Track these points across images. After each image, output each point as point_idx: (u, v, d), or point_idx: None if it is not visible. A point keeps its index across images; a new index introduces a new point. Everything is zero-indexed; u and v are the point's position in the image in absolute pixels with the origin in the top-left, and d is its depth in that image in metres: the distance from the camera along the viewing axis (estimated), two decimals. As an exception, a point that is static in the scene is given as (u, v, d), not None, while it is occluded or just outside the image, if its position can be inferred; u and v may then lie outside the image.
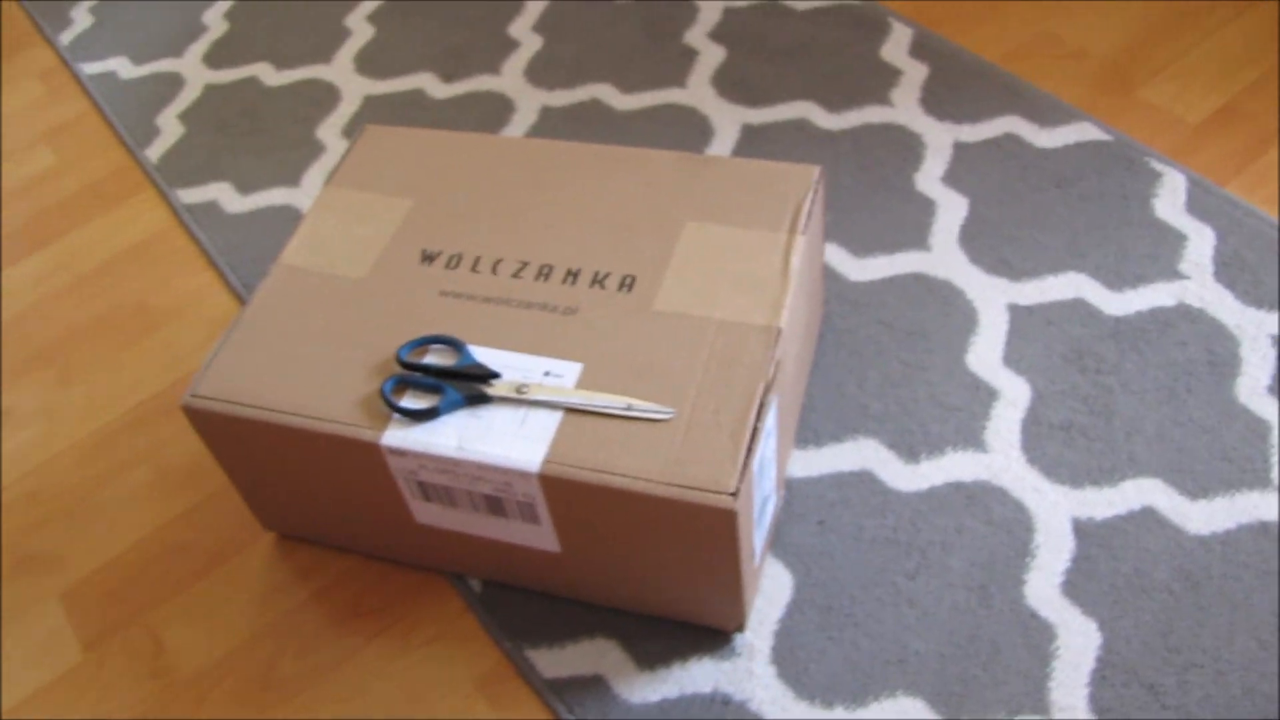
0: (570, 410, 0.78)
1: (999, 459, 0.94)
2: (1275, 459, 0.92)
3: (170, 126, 1.42)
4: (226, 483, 1.04)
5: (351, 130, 1.36)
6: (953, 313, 1.05)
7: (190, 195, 1.32)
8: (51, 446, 1.10)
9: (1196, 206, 1.10)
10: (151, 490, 1.05)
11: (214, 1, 1.61)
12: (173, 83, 1.48)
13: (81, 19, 1.63)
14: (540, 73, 1.39)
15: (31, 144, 1.45)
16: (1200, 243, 1.07)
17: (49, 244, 1.31)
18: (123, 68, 1.53)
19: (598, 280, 0.86)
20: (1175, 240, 1.08)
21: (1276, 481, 0.90)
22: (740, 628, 0.86)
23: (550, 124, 1.32)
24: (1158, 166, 1.14)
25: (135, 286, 1.24)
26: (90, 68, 1.54)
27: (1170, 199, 1.11)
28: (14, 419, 1.13)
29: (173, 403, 1.12)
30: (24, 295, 1.26)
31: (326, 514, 0.91)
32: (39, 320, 1.23)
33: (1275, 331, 1.00)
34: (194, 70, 1.50)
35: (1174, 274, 1.05)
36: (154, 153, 1.38)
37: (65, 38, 1.60)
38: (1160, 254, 1.07)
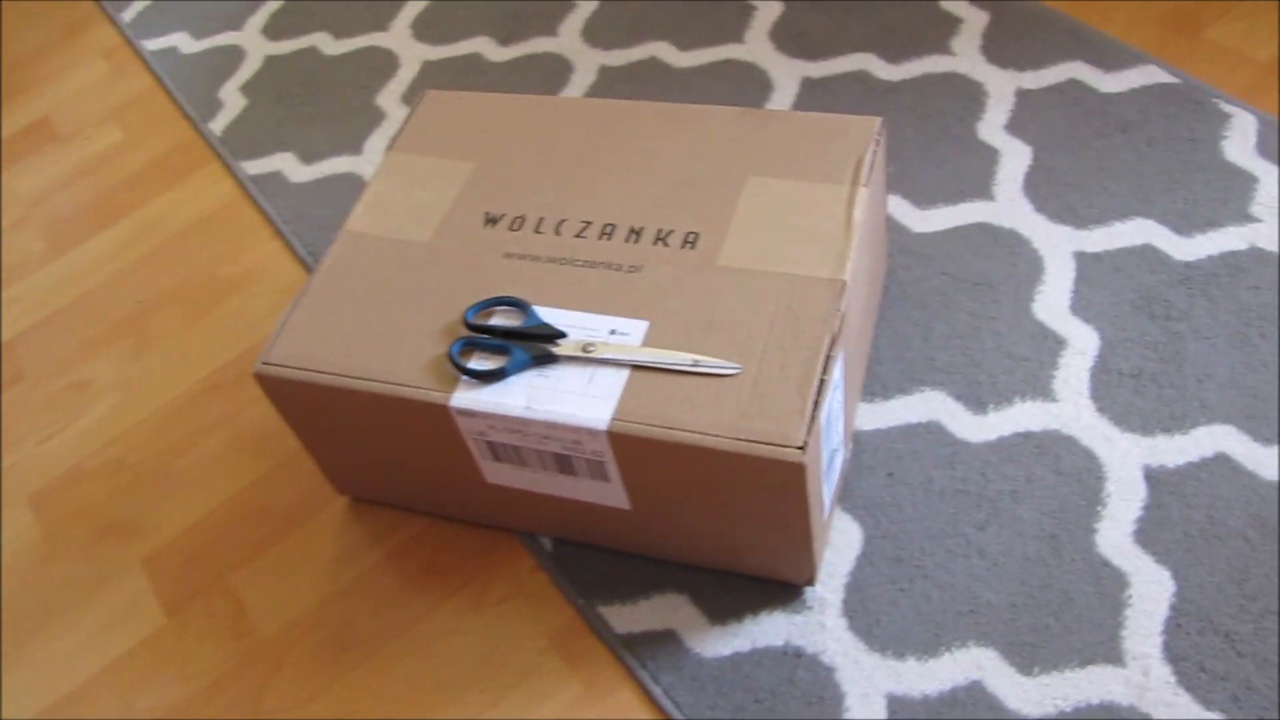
0: (637, 368, 0.78)
1: (1068, 408, 0.94)
2: (1353, 402, 0.90)
3: (232, 99, 1.43)
4: (299, 448, 1.06)
5: (411, 97, 1.37)
6: (1019, 262, 1.04)
7: (255, 166, 1.34)
8: (130, 416, 1.13)
9: (1267, 147, 1.08)
10: (227, 457, 1.07)
11: (270, -27, 1.63)
12: (233, 55, 1.50)
13: (142, -4, 1.65)
14: (597, 32, 1.39)
15: (99, 122, 1.48)
16: (1271, 184, 1.05)
17: (120, 219, 1.34)
18: (184, 43, 1.54)
19: (661, 238, 0.86)
20: (1246, 183, 1.06)
21: (1355, 425, 0.89)
22: (811, 581, 0.87)
23: (609, 83, 1.32)
24: (1226, 108, 1.12)
25: (205, 258, 1.26)
26: (152, 44, 1.56)
27: (1240, 140, 1.09)
28: (94, 390, 1.16)
29: (245, 371, 1.14)
30: (98, 270, 1.29)
31: (398, 477, 0.93)
32: (113, 294, 1.25)
33: (1352, 273, 0.98)
34: (253, 42, 1.51)
35: (1245, 217, 1.03)
36: (218, 125, 1.40)
37: (127, 15, 1.62)
38: (1230, 197, 1.05)
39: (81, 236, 1.33)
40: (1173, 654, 0.80)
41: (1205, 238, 1.02)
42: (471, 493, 0.91)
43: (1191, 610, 0.82)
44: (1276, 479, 0.87)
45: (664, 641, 0.87)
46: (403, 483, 0.94)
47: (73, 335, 1.22)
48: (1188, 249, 1.02)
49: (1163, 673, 0.79)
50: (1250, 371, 0.93)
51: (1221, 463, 0.89)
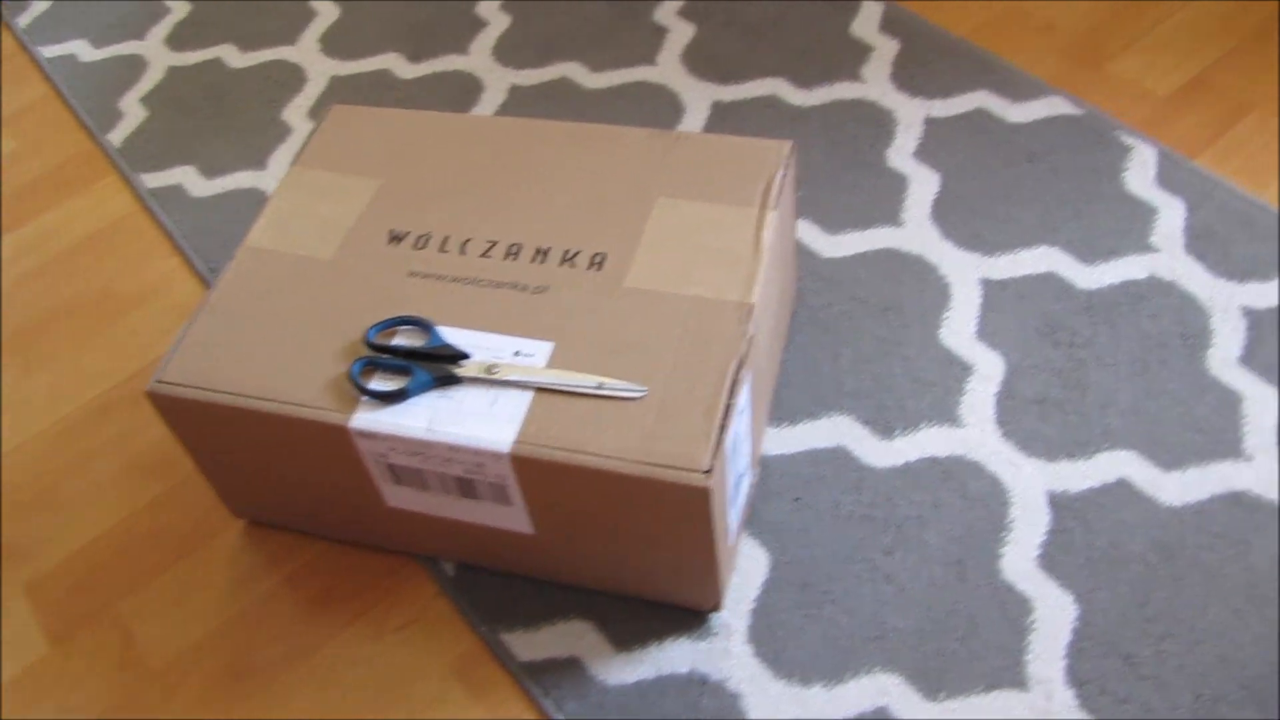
0: (541, 390, 0.77)
1: (974, 433, 0.94)
2: (1247, 429, 0.92)
3: (133, 110, 1.39)
4: (194, 470, 1.03)
5: (318, 111, 1.34)
6: (926, 288, 1.05)
7: (154, 179, 1.30)
8: (16, 437, 1.08)
9: (1167, 179, 1.10)
10: (118, 479, 1.03)
11: (176, -17, 1.59)
12: (135, 65, 1.46)
13: (39, 1, 1.60)
14: (509, 51, 1.38)
15: (-9, 130, 1.43)
16: (1171, 215, 1.07)
17: (10, 231, 1.29)
18: (83, 50, 1.50)
19: (568, 258, 0.85)
20: (1146, 213, 1.08)
21: (1248, 452, 0.90)
22: (717, 607, 0.86)
23: (519, 103, 1.31)
24: (1128, 140, 1.14)
25: (100, 273, 1.22)
26: (49, 50, 1.51)
27: (1141, 172, 1.11)
28: (-23, 409, 1.12)
29: (139, 390, 1.10)
30: (-15, 283, 1.24)
31: (296, 499, 0.90)
32: (2, 308, 1.21)
33: (1245, 303, 1.00)
34: (156, 52, 1.47)
35: (1145, 247, 1.05)
36: (116, 137, 1.36)
37: (23, 20, 1.57)
38: (1132, 227, 1.07)
39: (-30, 249, 1.28)
40: (1076, 678, 0.81)
41: (1107, 266, 1.04)
42: (372, 516, 0.88)
43: (1094, 634, 0.83)
44: (1174, 504, 0.88)
45: (568, 669, 0.85)
46: (301, 506, 0.91)
47: (-43, 351, 1.17)
48: (1090, 277, 1.03)
49: (1066, 696, 0.80)
50: (1150, 398, 0.95)
51: (1123, 488, 0.90)
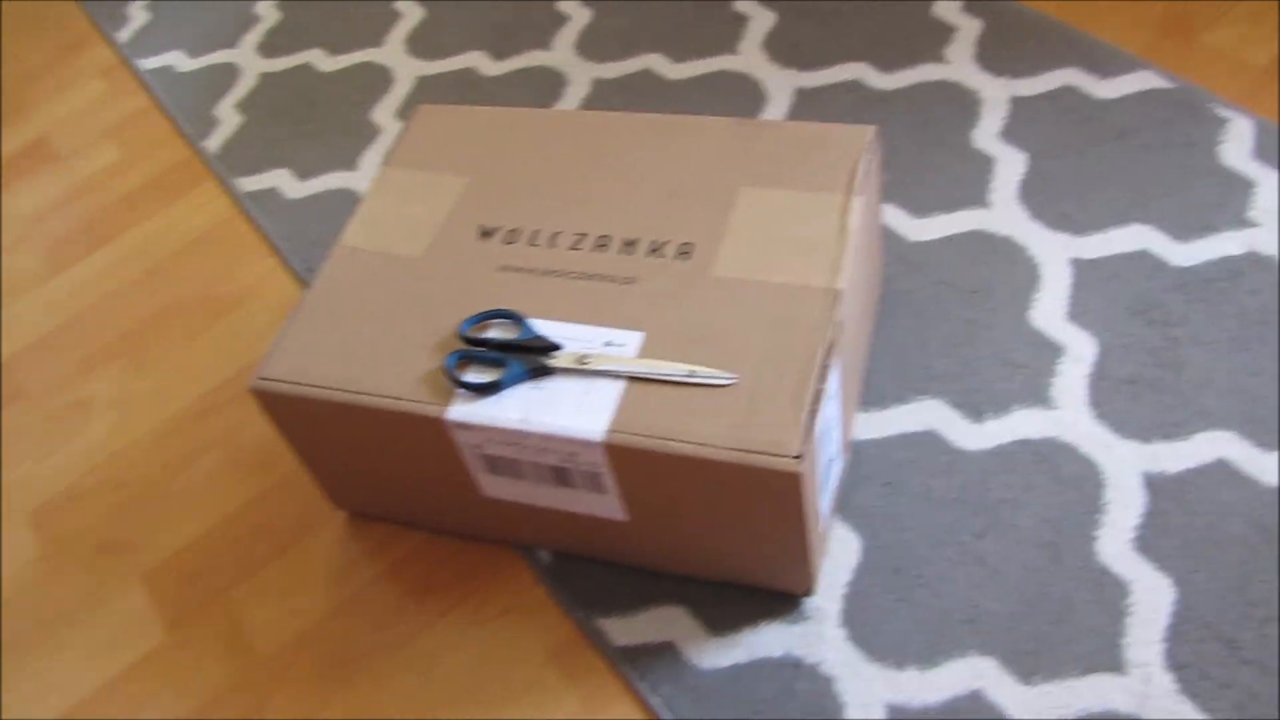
0: (633, 379, 0.78)
1: (1066, 415, 0.93)
2: (1352, 406, 0.90)
3: (228, 116, 1.44)
4: (297, 464, 1.06)
5: (405, 112, 1.37)
6: (1015, 270, 1.04)
7: (250, 183, 1.34)
8: (128, 434, 1.13)
9: (1265, 152, 1.08)
10: (225, 474, 1.07)
11: (266, -9, 1.63)
12: (229, 73, 1.50)
13: (138, 16, 1.65)
14: (591, 45, 1.39)
15: (96, 141, 1.48)
16: (1269, 189, 1.05)
17: (116, 238, 1.34)
18: (179, 61, 1.55)
19: (655, 249, 0.86)
20: (1243, 187, 1.06)
21: (1354, 429, 0.88)
22: (809, 591, 0.86)
23: (603, 96, 1.32)
24: (1223, 113, 1.12)
25: (201, 276, 1.26)
26: (148, 63, 1.56)
27: (1237, 145, 1.09)
28: (92, 409, 1.16)
29: (242, 387, 1.14)
30: (95, 289, 1.29)
31: (396, 491, 0.93)
32: (110, 313, 1.25)
33: (1349, 276, 0.97)
34: (249, 60, 1.52)
35: (1243, 222, 1.03)
36: (213, 143, 1.41)
37: (123, 35, 1.63)
38: (1228, 202, 1.05)
39: (79, 255, 1.33)
40: (1175, 662, 0.80)
41: (1202, 243, 1.02)
42: (468, 506, 0.90)
43: (1193, 617, 0.81)
44: (1277, 485, 0.87)
45: (663, 654, 0.86)
46: (400, 497, 0.94)
47: (71, 354, 1.22)
48: (1185, 254, 1.02)
49: (1165, 681, 0.79)
50: (1249, 376, 0.93)
51: (1221, 469, 0.88)
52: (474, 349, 0.82)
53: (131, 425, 1.13)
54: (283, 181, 1.32)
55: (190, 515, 1.04)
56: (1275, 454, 0.88)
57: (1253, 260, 1.00)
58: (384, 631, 0.93)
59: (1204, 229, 1.03)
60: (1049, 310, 1.00)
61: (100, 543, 1.04)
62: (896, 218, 1.11)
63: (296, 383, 0.84)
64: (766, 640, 0.86)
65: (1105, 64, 1.19)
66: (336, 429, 0.86)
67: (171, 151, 1.43)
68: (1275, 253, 1.00)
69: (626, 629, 0.88)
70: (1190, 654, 0.80)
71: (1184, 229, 1.03)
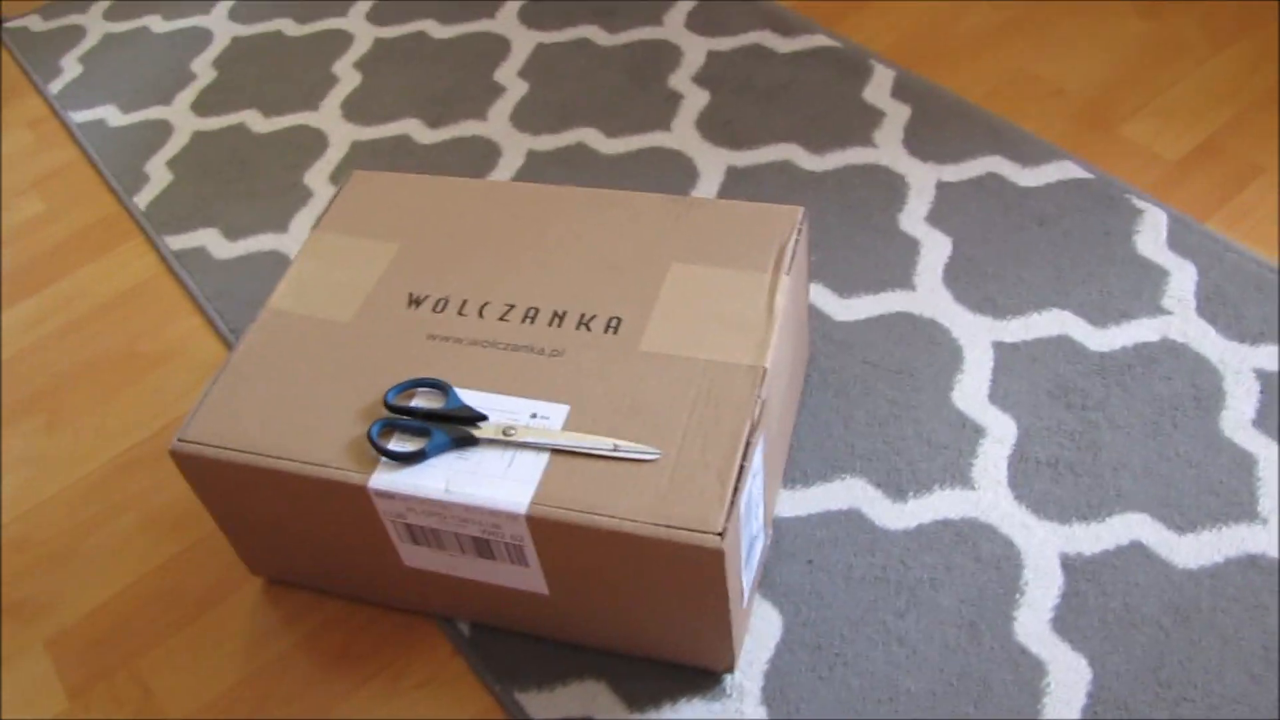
0: (557, 452, 0.78)
1: (987, 496, 0.95)
2: (1261, 492, 0.92)
3: (159, 173, 1.42)
4: (214, 528, 1.04)
5: (339, 176, 1.37)
6: (939, 351, 1.06)
7: (179, 241, 1.32)
8: (39, 493, 1.10)
9: (1178, 242, 1.11)
10: (139, 536, 1.04)
11: (203, 49, 1.62)
12: (161, 130, 1.49)
13: (71, 68, 1.64)
14: (526, 117, 1.40)
15: (22, 191, 1.46)
16: (1182, 278, 1.08)
17: (38, 291, 1.32)
18: (112, 115, 1.53)
19: (584, 322, 0.86)
20: (1158, 276, 1.09)
21: (1263, 514, 0.91)
22: (730, 668, 0.86)
23: (536, 168, 1.33)
24: (1139, 203, 1.16)
25: (124, 333, 1.24)
26: (80, 116, 1.55)
27: (1152, 235, 1.12)
28: (2, 465, 1.13)
29: (161, 448, 1.12)
30: (13, 342, 1.26)
31: (314, 558, 0.91)
32: (27, 367, 1.23)
33: (1258, 365, 1.00)
34: (182, 118, 1.51)
35: (1157, 309, 1.06)
36: (143, 199, 1.39)
37: (55, 86, 1.61)
38: (1143, 290, 1.08)
39: (-3, 309, 1.31)
40: (1089, 743, 0.80)
41: (1119, 329, 1.05)
42: (389, 575, 0.89)
43: (1108, 698, 0.82)
44: (1189, 567, 0.88)
45: (582, 730, 0.85)
46: (320, 564, 0.92)
47: (-17, 409, 1.19)
48: (1102, 340, 1.04)
49: (1079, 762, 0.80)
50: (1164, 460, 0.95)
51: (1136, 550, 0.90)
52: (399, 417, 0.81)
53: (42, 484, 1.10)
54: (211, 241, 1.31)
55: (100, 578, 1.02)
56: (1188, 537, 0.90)
57: (1167, 347, 1.03)
58: (299, 701, 0.91)
59: (1121, 315, 1.06)
60: (971, 392, 1.02)
61: (4, 604, 1.01)
62: (824, 297, 1.12)
63: (217, 446, 0.83)
64: (686, 717, 0.85)
65: (1027, 153, 1.23)
66: (256, 494, 0.85)
67: (99, 206, 1.41)
68: (1187, 340, 1.03)
69: (546, 703, 0.87)
70: (1104, 736, 0.81)
71: (1102, 315, 1.06)
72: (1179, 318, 1.05)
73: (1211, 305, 1.05)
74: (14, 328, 1.28)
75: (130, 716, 0.92)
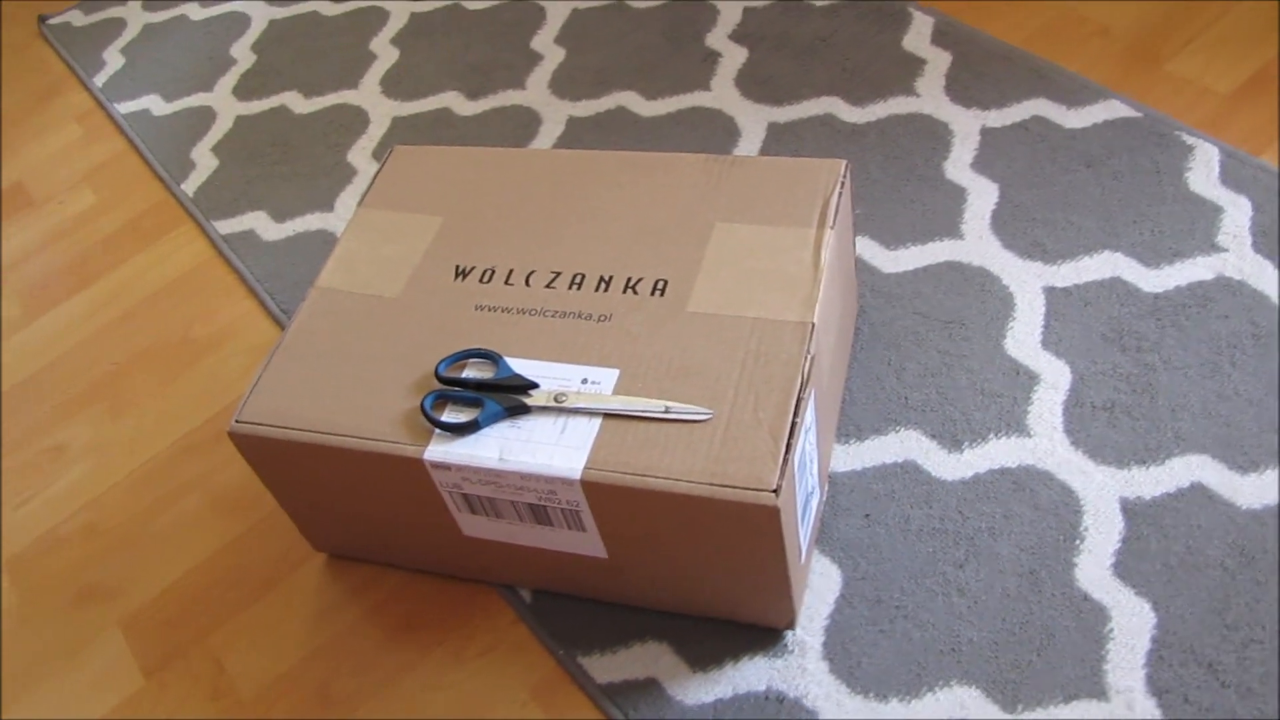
0: (609, 416, 0.78)
1: (1043, 443, 0.94)
2: (1325, 428, 0.90)
3: (204, 159, 1.44)
4: (275, 507, 1.05)
5: (381, 153, 1.38)
6: (989, 299, 1.05)
7: (227, 226, 1.34)
8: (105, 480, 1.12)
9: (1231, 178, 1.09)
10: (203, 518, 1.06)
11: (241, 34, 1.63)
12: (205, 116, 1.51)
13: (114, 60, 1.66)
14: (565, 84, 1.40)
15: (72, 185, 1.48)
16: (1237, 214, 1.06)
17: (93, 282, 1.34)
18: (155, 105, 1.55)
19: (630, 286, 0.86)
20: (1211, 213, 1.07)
21: (1327, 451, 0.89)
22: (791, 625, 0.86)
23: (577, 134, 1.33)
24: (1189, 140, 1.13)
25: (179, 319, 1.26)
26: (125, 107, 1.57)
27: (1204, 172, 1.10)
28: (68, 455, 1.15)
29: (220, 430, 1.13)
30: (72, 333, 1.28)
31: (375, 532, 0.92)
32: (87, 357, 1.25)
33: (1318, 299, 0.98)
34: (224, 103, 1.52)
35: (1212, 247, 1.04)
36: (190, 186, 1.41)
37: (99, 80, 1.63)
38: (1196, 228, 1.06)
39: (55, 300, 1.33)
40: (1156, 687, 0.80)
41: (1173, 269, 1.03)
42: (448, 546, 0.90)
43: (1173, 642, 0.82)
44: (1253, 507, 0.87)
45: (645, 690, 0.86)
46: (379, 538, 0.93)
47: (47, 400, 1.21)
48: (1156, 280, 1.03)
49: (1147, 706, 0.79)
50: (1223, 400, 0.94)
51: (1198, 492, 0.89)
52: (451, 389, 0.82)
53: (108, 471, 1.13)
54: (259, 223, 1.33)
55: (168, 560, 1.04)
56: (1250, 477, 0.89)
57: (1222, 285, 1.01)
58: (365, 673, 0.92)
59: (1174, 255, 1.04)
60: (1023, 339, 1.01)
61: (77, 590, 1.04)
62: (870, 250, 1.11)
63: (273, 425, 0.84)
64: (749, 675, 0.85)
65: (1073, 94, 1.21)
66: (314, 471, 0.86)
67: (148, 195, 1.43)
68: (1243, 277, 1.01)
69: (608, 666, 0.88)
70: (1172, 679, 0.80)
71: (1154, 255, 1.04)
72: (1234, 254, 1.03)
73: (1268, 240, 1.03)
74: (72, 320, 1.30)
75: (205, 692, 0.94)
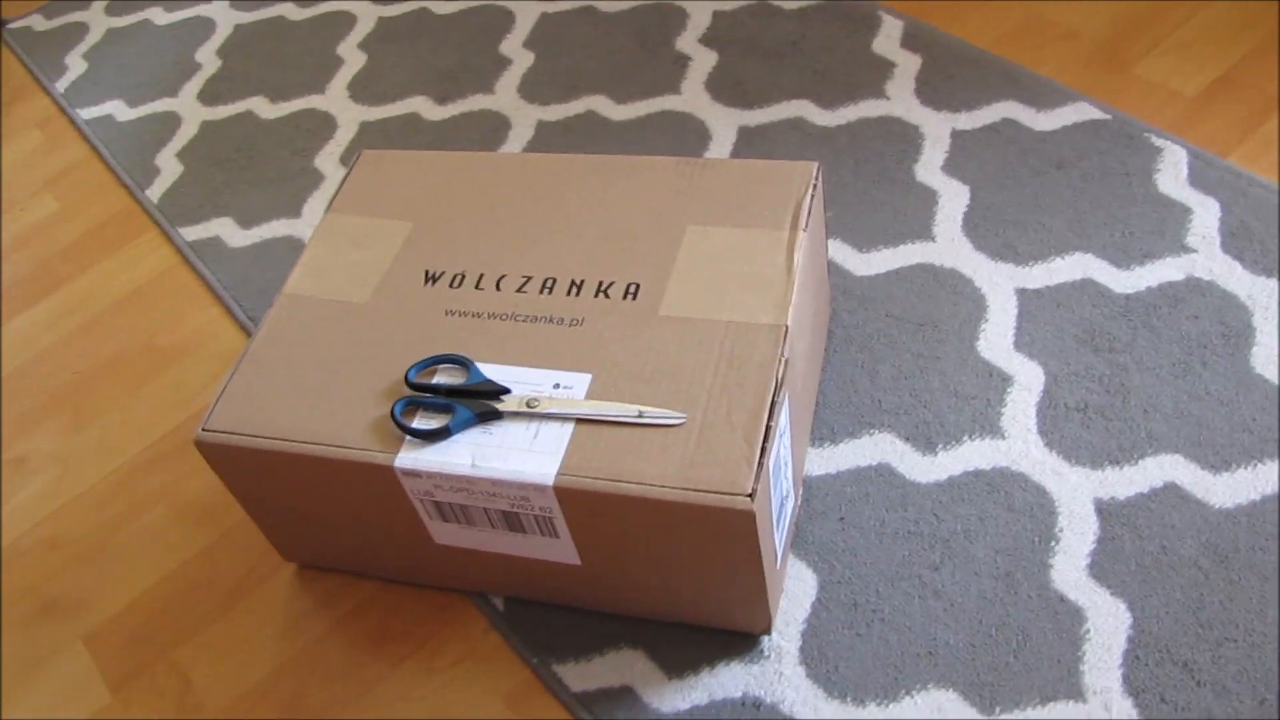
0: (582, 421, 0.78)
1: (1017, 444, 0.94)
2: (1296, 427, 0.91)
3: (169, 166, 1.42)
4: (244, 516, 1.04)
5: (349, 158, 1.36)
6: (961, 301, 1.05)
7: (193, 232, 1.32)
8: (68, 491, 1.10)
9: (1199, 179, 1.09)
10: (170, 528, 1.05)
11: (206, 39, 1.62)
12: (169, 122, 1.49)
13: (76, 65, 1.64)
14: (534, 88, 1.39)
15: (34, 192, 1.46)
16: (1205, 215, 1.06)
17: (56, 290, 1.32)
18: (119, 110, 1.53)
19: (603, 290, 0.85)
20: (1180, 214, 1.07)
21: (1299, 450, 0.89)
22: (767, 630, 0.86)
23: (546, 139, 1.32)
24: (1158, 142, 1.14)
25: (143, 327, 1.24)
26: (87, 113, 1.55)
27: (1172, 173, 1.11)
28: (29, 466, 1.13)
29: (186, 440, 1.12)
30: (34, 342, 1.26)
31: (345, 541, 0.91)
32: (50, 366, 1.23)
33: (1287, 299, 0.99)
34: (190, 108, 1.50)
35: (1181, 248, 1.04)
36: (154, 193, 1.39)
37: (61, 85, 1.61)
38: (1166, 229, 1.06)
39: (17, 309, 1.31)
40: (1133, 687, 0.80)
41: (1144, 269, 1.04)
42: (420, 554, 0.89)
43: (1149, 642, 0.82)
44: (1226, 506, 0.87)
45: (621, 698, 0.85)
46: (350, 547, 0.92)
47: (8, 410, 1.19)
48: (1127, 281, 1.03)
49: (1124, 706, 0.79)
50: (1195, 400, 0.94)
51: (1171, 492, 0.89)
52: (421, 395, 0.81)
53: (71, 482, 1.11)
54: (225, 230, 1.31)
55: (133, 572, 1.02)
56: (1223, 476, 0.89)
57: (1192, 285, 1.01)
58: (337, 684, 0.91)
59: (1144, 256, 1.04)
60: (996, 340, 1.01)
61: (41, 605, 1.02)
62: (843, 253, 1.11)
63: (241, 433, 0.82)
64: (725, 681, 0.85)
65: (1042, 97, 1.21)
66: (283, 479, 0.85)
67: (112, 202, 1.41)
68: (1213, 278, 1.01)
69: (583, 674, 0.87)
70: (1148, 678, 0.80)
71: (1125, 256, 1.05)
72: (1204, 255, 1.03)
73: (1237, 241, 1.04)
74: (34, 328, 1.28)
75: (172, 707, 0.93)
